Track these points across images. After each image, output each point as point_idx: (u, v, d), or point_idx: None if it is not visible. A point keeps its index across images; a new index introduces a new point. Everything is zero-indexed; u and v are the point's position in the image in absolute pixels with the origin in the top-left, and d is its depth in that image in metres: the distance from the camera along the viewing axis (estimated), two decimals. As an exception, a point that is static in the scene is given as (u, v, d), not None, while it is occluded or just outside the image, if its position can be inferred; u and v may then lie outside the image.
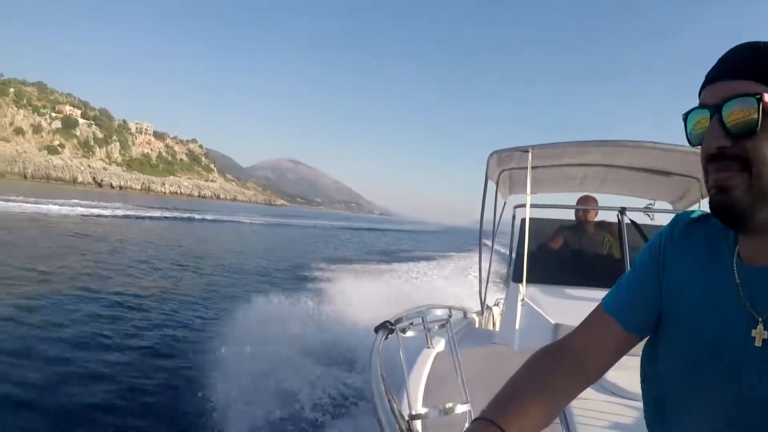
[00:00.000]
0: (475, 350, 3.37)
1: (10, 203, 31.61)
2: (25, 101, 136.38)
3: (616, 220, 4.00)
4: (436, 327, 2.06)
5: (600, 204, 4.54)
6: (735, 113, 0.68)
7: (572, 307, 3.52)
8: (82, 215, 33.15)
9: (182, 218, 42.45)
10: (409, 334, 1.97)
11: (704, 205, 4.29)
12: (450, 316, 2.05)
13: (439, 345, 3.37)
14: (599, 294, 3.71)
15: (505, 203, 5.45)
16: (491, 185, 4.88)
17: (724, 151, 0.69)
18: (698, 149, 3.29)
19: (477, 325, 4.81)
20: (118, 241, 20.85)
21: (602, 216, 4.51)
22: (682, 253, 0.82)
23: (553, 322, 3.48)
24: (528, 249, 3.89)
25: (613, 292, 0.90)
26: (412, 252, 32.08)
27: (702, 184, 4.45)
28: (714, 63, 0.74)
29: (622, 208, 3.96)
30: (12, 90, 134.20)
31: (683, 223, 0.86)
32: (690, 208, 4.77)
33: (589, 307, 3.88)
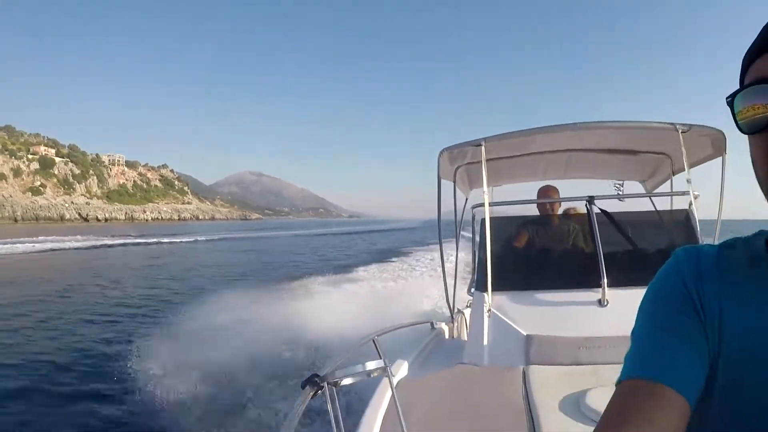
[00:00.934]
0: (441, 374, 3.01)
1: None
2: (0, 147, 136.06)
3: (585, 210, 3.63)
4: (377, 373, 1.78)
5: (566, 191, 4.17)
6: None
7: (544, 314, 3.29)
8: (160, 243, 41.83)
9: (206, 240, 49.15)
10: (346, 383, 1.71)
11: (676, 182, 4.56)
12: (387, 366, 1.81)
13: (401, 370, 3.01)
14: (571, 296, 3.47)
15: (466, 199, 5.22)
16: (449, 184, 4.66)
17: None
18: (667, 124, 3.61)
19: (447, 335, 4.49)
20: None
21: (567, 205, 4.31)
22: (723, 294, 0.66)
23: (525, 333, 3.15)
24: (491, 252, 3.56)
25: (646, 355, 0.65)
26: (397, 249, 33.30)
27: (673, 161, 4.35)
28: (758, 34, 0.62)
29: (590, 197, 3.58)
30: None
31: (708, 256, 0.70)
32: (661, 186, 5.05)
33: (563, 314, 3.42)
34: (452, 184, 4.73)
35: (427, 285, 12.85)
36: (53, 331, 10.36)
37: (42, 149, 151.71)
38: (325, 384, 1.64)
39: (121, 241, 42.62)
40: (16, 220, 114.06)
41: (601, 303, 3.22)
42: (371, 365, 1.75)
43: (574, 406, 2.28)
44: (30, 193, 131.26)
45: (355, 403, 2.87)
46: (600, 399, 2.17)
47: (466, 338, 4.51)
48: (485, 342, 3.28)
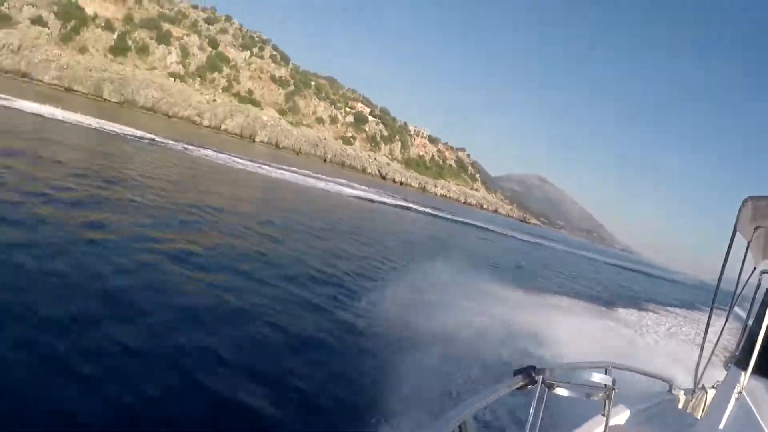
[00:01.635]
0: None
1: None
2: (323, 94, 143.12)
3: None
4: (600, 394, 1.53)
5: None
6: None
7: None
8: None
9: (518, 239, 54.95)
10: (560, 392, 1.48)
11: None
12: (614, 387, 1.57)
13: (620, 416, 2.81)
14: None
15: (755, 268, 4.35)
16: (742, 240, 3.93)
17: None
18: None
19: (681, 406, 4.02)
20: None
21: None
22: None
23: None
24: (766, 331, 3.14)
25: None
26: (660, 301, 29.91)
27: None
28: None
29: None
30: (313, 83, 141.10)
31: None
32: None
33: None
34: (745, 244, 4.02)
35: (677, 349, 12.54)
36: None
37: (359, 106, 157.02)
38: (540, 380, 1.50)
39: (451, 216, 52.71)
40: (325, 160, 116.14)
41: None
42: (597, 378, 1.56)
43: None
44: (341, 141, 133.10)
45: (555, 416, 2.52)
46: None
47: (699, 418, 4.13)
48: (721, 426, 2.92)
